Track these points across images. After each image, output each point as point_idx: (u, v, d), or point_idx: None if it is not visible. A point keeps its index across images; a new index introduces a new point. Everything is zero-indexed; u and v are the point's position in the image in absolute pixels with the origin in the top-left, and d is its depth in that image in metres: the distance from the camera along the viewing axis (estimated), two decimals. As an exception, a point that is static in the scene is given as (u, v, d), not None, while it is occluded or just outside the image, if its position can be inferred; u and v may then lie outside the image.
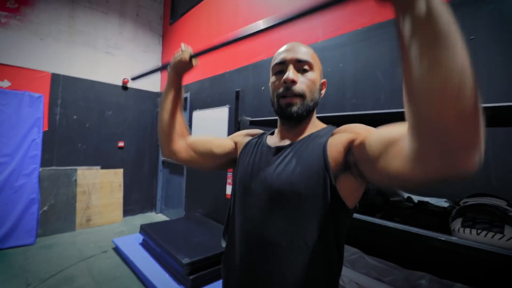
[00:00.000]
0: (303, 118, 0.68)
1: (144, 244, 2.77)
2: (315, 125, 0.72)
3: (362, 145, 0.53)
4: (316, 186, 0.58)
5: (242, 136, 0.86)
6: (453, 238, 0.82)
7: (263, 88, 2.53)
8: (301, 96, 0.65)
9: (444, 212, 1.07)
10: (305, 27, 2.19)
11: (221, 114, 3.10)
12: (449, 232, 0.91)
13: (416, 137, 0.37)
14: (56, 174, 3.47)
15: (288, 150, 0.67)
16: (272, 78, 0.71)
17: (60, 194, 3.45)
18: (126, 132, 4.25)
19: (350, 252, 1.55)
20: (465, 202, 0.96)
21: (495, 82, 1.25)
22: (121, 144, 4.17)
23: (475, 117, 0.32)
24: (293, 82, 0.64)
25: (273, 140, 0.75)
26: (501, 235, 0.76)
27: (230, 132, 2.94)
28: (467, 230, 0.82)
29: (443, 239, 0.83)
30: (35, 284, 2.20)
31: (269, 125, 1.65)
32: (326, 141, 0.62)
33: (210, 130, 3.28)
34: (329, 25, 2.01)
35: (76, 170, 3.65)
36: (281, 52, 0.69)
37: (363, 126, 0.60)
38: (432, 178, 0.38)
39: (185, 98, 3.92)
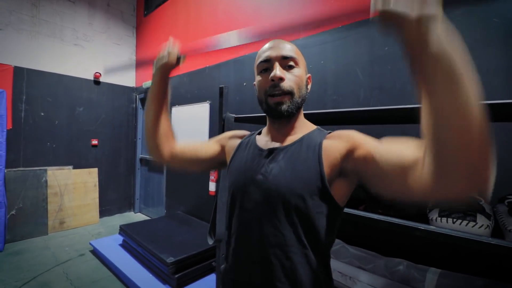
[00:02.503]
0: (292, 116, 0.68)
1: (124, 245, 2.69)
2: (304, 125, 0.72)
3: (369, 159, 0.53)
4: (311, 190, 0.60)
5: (228, 139, 0.85)
6: (432, 227, 0.89)
7: (245, 84, 2.52)
8: (290, 93, 0.64)
9: (421, 203, 1.14)
10: (285, 23, 2.20)
11: (202, 110, 3.05)
12: (427, 221, 0.98)
13: (442, 165, 0.38)
14: (24, 176, 3.23)
15: (282, 154, 0.66)
16: (258, 77, 0.69)
17: (29, 196, 3.23)
18: (99, 130, 4.05)
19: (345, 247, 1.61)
20: (441, 193, 1.03)
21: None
22: (94, 142, 3.97)
23: (489, 139, 0.34)
24: (281, 79, 0.63)
25: (263, 140, 0.74)
26: (474, 223, 0.83)
27: (212, 128, 2.91)
28: (444, 219, 0.89)
29: (423, 228, 0.89)
30: (6, 294, 2.07)
31: (254, 122, 1.65)
32: (321, 147, 0.63)
33: (190, 126, 3.22)
34: (310, 21, 2.03)
35: (46, 170, 3.42)
36: (266, 50, 0.68)
37: (360, 136, 0.60)
38: (457, 197, 0.39)
39: (163, 94, 3.79)
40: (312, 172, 0.60)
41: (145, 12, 4.25)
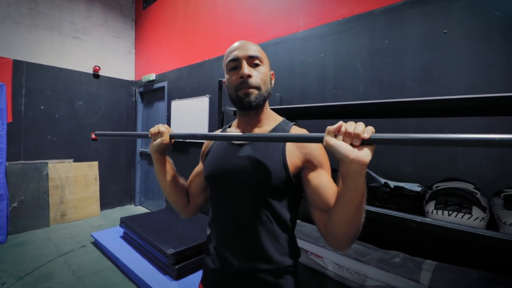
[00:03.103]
0: (259, 107, 0.75)
1: (125, 237, 2.72)
2: (270, 116, 0.80)
3: (311, 183, 0.68)
4: (279, 180, 0.68)
5: (204, 148, 0.89)
6: (428, 219, 0.90)
7: (244, 77, 2.52)
8: (257, 88, 0.71)
9: (417, 196, 1.16)
10: (286, 16, 2.18)
11: (201, 104, 3.04)
12: (423, 214, 0.99)
13: (329, 237, 0.64)
14: (25, 169, 3.25)
15: (250, 147, 0.73)
16: (227, 75, 0.75)
17: (30, 189, 3.25)
18: (99, 123, 4.05)
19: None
20: (437, 187, 1.04)
21: (465, 74, 1.34)
22: (94, 135, 3.97)
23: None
24: (249, 76, 0.70)
25: (234, 133, 0.80)
26: (470, 215, 0.84)
27: (211, 123, 2.91)
28: (440, 211, 0.90)
29: (419, 220, 0.90)
30: (10, 282, 2.10)
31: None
32: (284, 146, 0.71)
33: (190, 120, 3.22)
34: (310, 14, 2.02)
35: (46, 163, 3.44)
36: (233, 50, 0.74)
37: (317, 155, 0.70)
38: (335, 248, 0.66)
39: (163, 87, 3.79)
40: (279, 168, 0.69)
41: (144, 5, 4.21)
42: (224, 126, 0.91)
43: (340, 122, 0.51)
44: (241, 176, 0.71)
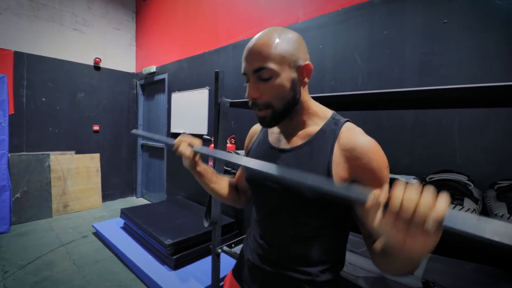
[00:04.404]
0: (284, 119, 0.65)
1: (125, 228, 2.76)
2: (315, 114, 0.67)
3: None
4: (321, 194, 0.58)
5: (248, 145, 0.85)
6: (419, 211, 0.89)
7: (243, 69, 2.50)
8: (268, 107, 0.62)
9: (412, 188, 1.15)
10: (285, 6, 2.15)
11: (201, 96, 3.03)
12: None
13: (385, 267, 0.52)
14: (27, 160, 3.29)
15: (291, 156, 0.65)
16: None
17: (33, 180, 3.30)
18: (101, 115, 4.07)
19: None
20: (431, 178, 1.04)
21: (465, 65, 1.32)
22: (96, 127, 4.00)
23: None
24: (255, 98, 0.62)
25: (274, 134, 0.73)
26: (461, 207, 0.84)
27: (211, 115, 2.90)
28: (431, 203, 0.90)
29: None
30: (12, 271, 2.15)
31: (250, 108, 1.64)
32: (331, 155, 0.60)
33: (190, 113, 3.22)
34: (309, 5, 1.98)
35: (48, 155, 3.48)
36: (243, 60, 0.63)
37: (373, 169, 0.57)
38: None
39: (163, 80, 3.78)
40: (322, 178, 0.60)
41: (145, -4, 4.17)
42: None
43: (396, 188, 0.36)
44: (277, 187, 0.64)
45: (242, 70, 0.63)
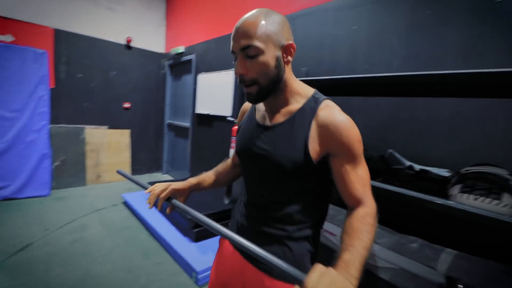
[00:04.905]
0: (273, 94, 0.70)
1: (151, 201, 2.92)
2: (297, 92, 0.72)
3: (334, 172, 0.67)
4: (299, 165, 0.67)
5: (241, 115, 0.92)
6: (450, 202, 0.85)
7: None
8: (254, 83, 0.66)
9: (444, 180, 1.09)
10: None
11: (227, 77, 3.03)
12: (446, 197, 0.93)
13: None
14: (65, 132, 3.54)
15: (273, 132, 0.72)
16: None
17: (70, 151, 3.56)
18: (131, 94, 4.23)
19: (343, 214, 1.62)
20: (467, 170, 0.97)
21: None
22: (127, 105, 4.18)
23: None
24: (242, 74, 0.66)
25: (260, 112, 0.79)
26: (498, 201, 0.78)
27: (236, 97, 2.90)
28: (465, 195, 0.85)
29: (440, 202, 0.85)
30: (52, 230, 2.39)
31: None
32: (309, 131, 0.66)
33: (215, 94, 3.24)
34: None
35: (84, 128, 3.72)
36: (231, 39, 0.67)
37: (341, 142, 0.64)
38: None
39: (190, 60, 3.81)
40: (299, 150, 0.67)
41: (176, -26, 4.15)
42: None
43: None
44: (264, 161, 0.71)
45: (231, 49, 0.68)
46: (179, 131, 4.31)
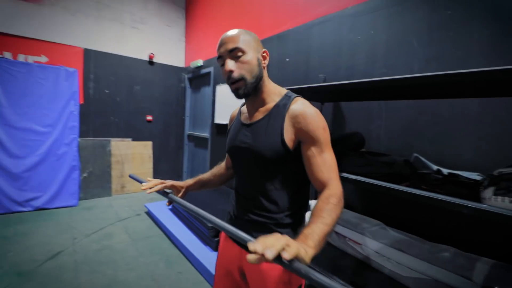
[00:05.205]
0: (254, 93, 0.82)
1: (173, 210, 2.98)
2: (273, 92, 0.85)
3: (304, 156, 0.78)
4: (278, 154, 0.78)
5: (230, 121, 1.04)
6: (484, 206, 0.80)
7: (287, 59, 2.47)
8: (241, 79, 0.78)
9: (475, 184, 1.03)
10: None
11: (245, 87, 3.08)
12: (479, 201, 0.88)
13: None
14: (93, 144, 3.74)
15: (254, 128, 0.84)
16: (221, 70, 0.84)
17: (97, 162, 3.74)
18: (153, 107, 4.41)
19: (371, 223, 1.57)
20: (500, 172, 0.91)
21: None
22: (149, 118, 4.35)
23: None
24: (231, 71, 0.78)
25: (244, 115, 0.92)
26: (537, 203, 0.73)
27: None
28: (500, 198, 0.80)
29: (472, 206, 0.81)
30: (80, 238, 2.49)
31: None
32: (283, 123, 0.78)
33: (233, 104, 3.29)
34: (361, -12, 1.87)
35: (110, 141, 3.90)
36: (218, 48, 0.81)
37: (312, 131, 0.75)
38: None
39: (209, 73, 3.93)
40: (276, 140, 0.78)
41: (194, -7, 4.36)
42: (241, 104, 1.01)
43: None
44: (247, 153, 0.83)
45: (218, 54, 0.81)
46: (199, 142, 4.41)
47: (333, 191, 0.70)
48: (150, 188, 0.92)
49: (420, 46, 1.54)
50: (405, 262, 1.34)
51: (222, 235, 0.98)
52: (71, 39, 3.58)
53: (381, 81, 1.09)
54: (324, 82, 2.03)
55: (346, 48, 1.94)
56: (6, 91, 3.02)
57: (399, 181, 1.14)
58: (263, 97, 0.84)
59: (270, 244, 0.45)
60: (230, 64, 0.78)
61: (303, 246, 0.51)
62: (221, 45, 0.80)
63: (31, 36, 3.30)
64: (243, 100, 0.93)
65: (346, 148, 1.46)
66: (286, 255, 0.45)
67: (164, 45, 4.46)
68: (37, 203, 3.15)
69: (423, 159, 1.39)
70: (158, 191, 0.93)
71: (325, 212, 0.64)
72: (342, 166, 1.31)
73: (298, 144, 0.78)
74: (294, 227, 0.82)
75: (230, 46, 0.78)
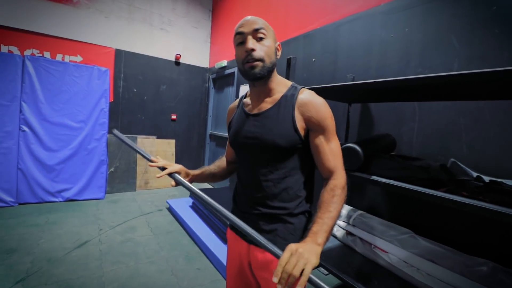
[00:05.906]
0: (266, 78, 0.81)
1: (193, 207, 3.02)
2: (280, 83, 0.86)
3: (311, 144, 0.80)
4: (290, 142, 0.79)
5: (229, 115, 1.02)
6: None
7: (314, 60, 2.43)
8: (261, 60, 0.77)
9: (524, 193, 0.93)
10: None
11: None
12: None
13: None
14: (120, 141, 3.88)
15: (263, 117, 0.83)
16: (236, 49, 0.82)
17: (123, 158, 3.89)
18: (178, 106, 4.53)
19: (399, 231, 1.48)
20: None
21: None
22: (173, 117, 4.46)
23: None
24: (253, 50, 0.77)
25: (249, 107, 0.90)
26: None
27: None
28: (558, 208, 0.71)
29: (523, 216, 0.73)
30: (105, 230, 2.59)
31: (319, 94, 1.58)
32: (294, 111, 0.79)
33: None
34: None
35: (136, 138, 4.05)
36: (240, 26, 0.80)
37: (321, 120, 0.78)
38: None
39: (233, 73, 3.96)
40: (290, 129, 0.79)
41: (221, -5, 4.43)
42: (241, 96, 0.99)
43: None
44: (257, 142, 0.82)
45: (240, 31, 0.79)
46: (220, 141, 4.45)
47: (338, 181, 0.75)
48: (159, 168, 0.93)
49: (460, 44, 1.44)
50: (437, 274, 1.25)
51: (228, 231, 0.96)
52: (104, 39, 3.76)
53: (418, 79, 1.02)
54: (352, 81, 1.96)
55: (377, 47, 1.86)
56: (44, 88, 3.22)
57: (435, 187, 1.06)
58: (271, 87, 0.85)
59: (291, 276, 0.54)
60: (253, 43, 0.77)
61: (313, 245, 0.60)
62: (243, 24, 0.79)
63: (68, 37, 3.51)
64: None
65: (376, 150, 1.39)
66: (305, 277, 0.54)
67: (190, 46, 4.57)
68: (68, 194, 3.32)
69: (461, 164, 1.29)
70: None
71: (331, 206, 0.70)
72: (372, 169, 1.25)
73: (307, 132, 0.80)
74: (305, 216, 0.85)
75: (255, 26, 0.77)
